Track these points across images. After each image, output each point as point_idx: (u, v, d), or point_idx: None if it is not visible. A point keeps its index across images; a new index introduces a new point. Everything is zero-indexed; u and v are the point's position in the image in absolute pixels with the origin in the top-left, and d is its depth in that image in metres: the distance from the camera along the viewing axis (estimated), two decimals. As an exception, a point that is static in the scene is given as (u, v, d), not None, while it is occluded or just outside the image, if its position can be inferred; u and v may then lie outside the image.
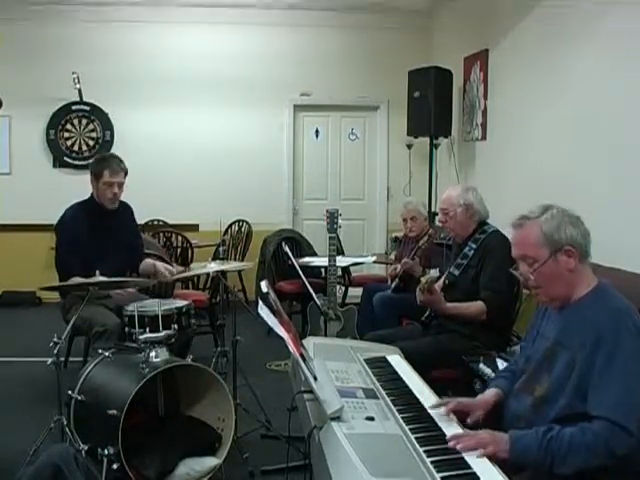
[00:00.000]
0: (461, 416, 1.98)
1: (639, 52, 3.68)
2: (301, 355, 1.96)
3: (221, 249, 3.62)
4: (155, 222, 6.84)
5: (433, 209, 5.94)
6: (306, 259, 5.59)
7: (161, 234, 6.12)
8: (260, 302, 2.15)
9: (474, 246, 3.32)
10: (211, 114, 7.17)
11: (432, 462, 1.63)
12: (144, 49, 7.04)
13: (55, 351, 2.90)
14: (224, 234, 6.38)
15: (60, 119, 7.04)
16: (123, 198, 3.99)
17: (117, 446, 2.62)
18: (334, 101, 7.36)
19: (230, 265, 3.72)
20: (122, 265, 3.87)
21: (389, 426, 1.82)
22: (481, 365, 2.97)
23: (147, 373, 2.79)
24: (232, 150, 7.18)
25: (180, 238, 6.13)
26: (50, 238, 4.66)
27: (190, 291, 5.68)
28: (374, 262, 5.98)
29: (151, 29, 7.04)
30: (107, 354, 3.06)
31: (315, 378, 1.89)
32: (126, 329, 3.33)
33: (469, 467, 1.64)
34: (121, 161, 3.92)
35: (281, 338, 1.99)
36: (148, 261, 4.05)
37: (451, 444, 1.74)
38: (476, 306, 3.20)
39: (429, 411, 1.97)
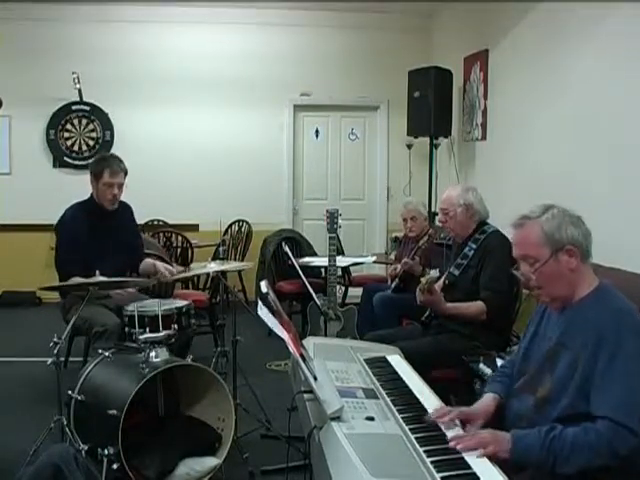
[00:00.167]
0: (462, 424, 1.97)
1: (639, 52, 3.68)
2: (301, 355, 1.95)
3: (221, 249, 3.62)
4: (155, 222, 6.84)
5: (433, 209, 5.94)
6: (306, 259, 5.59)
7: (161, 234, 6.12)
8: (259, 302, 2.15)
9: (474, 246, 3.32)
10: (211, 114, 7.17)
11: (432, 462, 1.63)
12: (144, 49, 7.04)
13: (55, 351, 2.90)
14: (224, 234, 6.38)
15: (60, 119, 7.04)
16: (123, 198, 3.98)
17: (117, 446, 2.62)
18: (334, 101, 7.36)
19: (230, 265, 3.72)
20: (122, 265, 3.87)
21: (389, 426, 1.82)
22: (481, 365, 2.97)
23: (147, 373, 2.79)
24: (232, 150, 7.18)
25: (180, 238, 6.13)
26: (50, 238, 4.66)
27: (190, 291, 5.68)
28: (374, 262, 5.98)
29: (151, 29, 7.04)
30: (107, 354, 3.06)
31: (315, 378, 1.88)
32: (126, 329, 3.33)
33: (469, 467, 1.64)
34: (121, 161, 3.92)
35: (281, 338, 1.99)
36: (148, 261, 4.05)
37: (452, 444, 1.74)
38: (476, 306, 3.20)
39: (429, 412, 1.97)
